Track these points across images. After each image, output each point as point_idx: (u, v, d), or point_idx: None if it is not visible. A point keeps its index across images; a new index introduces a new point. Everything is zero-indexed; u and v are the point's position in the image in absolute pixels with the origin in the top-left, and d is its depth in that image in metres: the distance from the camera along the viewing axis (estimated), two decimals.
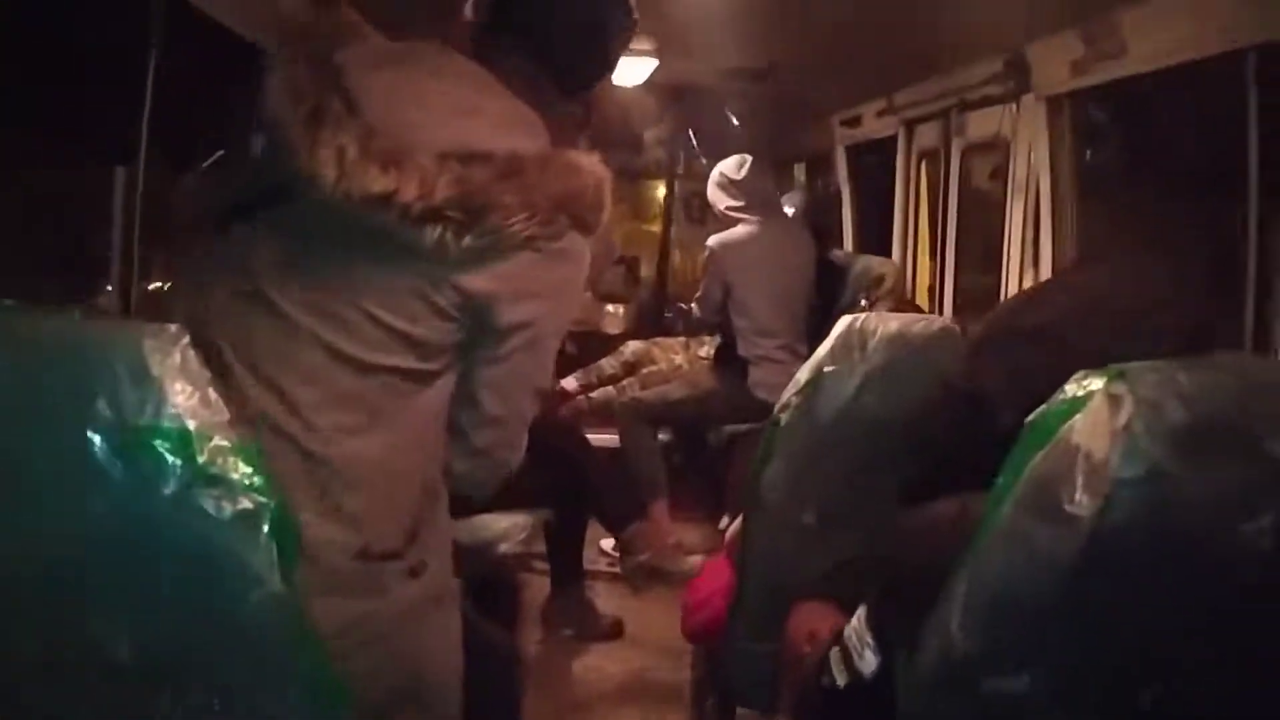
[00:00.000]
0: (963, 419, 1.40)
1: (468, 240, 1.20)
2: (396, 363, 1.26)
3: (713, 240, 4.16)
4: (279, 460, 1.11)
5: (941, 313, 3.63)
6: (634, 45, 3.99)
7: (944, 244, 3.68)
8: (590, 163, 1.31)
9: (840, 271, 4.31)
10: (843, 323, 1.96)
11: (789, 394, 1.98)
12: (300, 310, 1.24)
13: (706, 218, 6.74)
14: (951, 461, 1.44)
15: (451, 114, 1.26)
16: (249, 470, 0.94)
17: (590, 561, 3.70)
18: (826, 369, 1.93)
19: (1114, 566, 1.05)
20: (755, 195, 4.15)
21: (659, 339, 5.12)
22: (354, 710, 1.03)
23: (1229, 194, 2.22)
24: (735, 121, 5.02)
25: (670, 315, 5.59)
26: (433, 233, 1.19)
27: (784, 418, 1.96)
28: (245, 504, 0.92)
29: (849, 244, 5.00)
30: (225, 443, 0.94)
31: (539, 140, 1.30)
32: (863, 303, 3.75)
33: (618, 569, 3.59)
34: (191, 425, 0.91)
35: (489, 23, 1.36)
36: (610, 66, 1.46)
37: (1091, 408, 1.07)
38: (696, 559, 3.48)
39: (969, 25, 3.03)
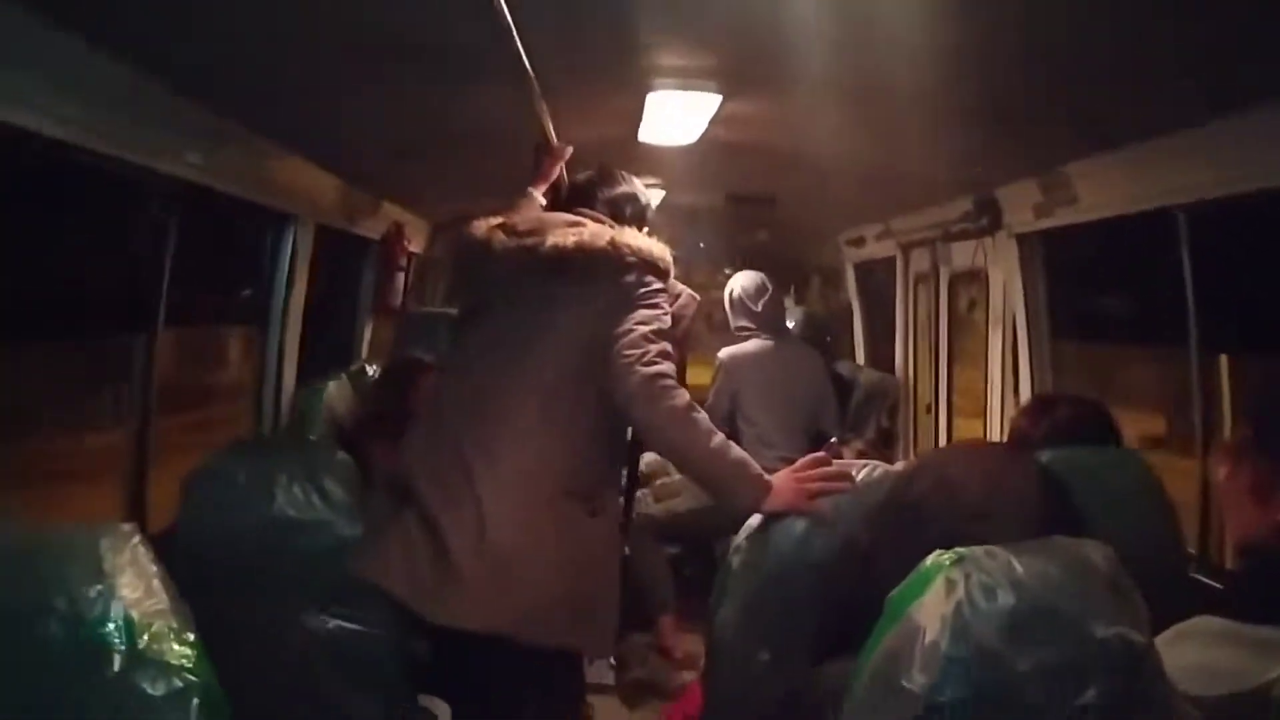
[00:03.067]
0: (858, 578, 1.53)
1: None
2: None
3: (723, 353, 4.31)
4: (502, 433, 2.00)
5: (938, 440, 3.71)
6: (644, 181, 4.30)
7: (938, 365, 3.79)
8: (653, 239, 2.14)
9: (848, 385, 4.43)
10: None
11: (741, 537, 2.10)
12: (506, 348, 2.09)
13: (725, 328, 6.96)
14: (853, 617, 1.56)
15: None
16: (185, 651, 1.11)
17: (597, 675, 3.76)
18: (773, 515, 2.05)
19: None
20: (766, 318, 4.28)
21: None
22: None
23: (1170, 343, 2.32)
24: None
25: None
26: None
27: (735, 560, 2.08)
28: (177, 682, 1.09)
29: (860, 356, 5.12)
30: (165, 628, 1.11)
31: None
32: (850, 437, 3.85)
33: (615, 684, 3.64)
34: (135, 616, 1.08)
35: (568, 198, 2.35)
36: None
37: (933, 589, 1.20)
38: (691, 675, 3.53)
39: (948, 166, 3.21)
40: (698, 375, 6.01)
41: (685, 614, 4.16)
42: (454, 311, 4.61)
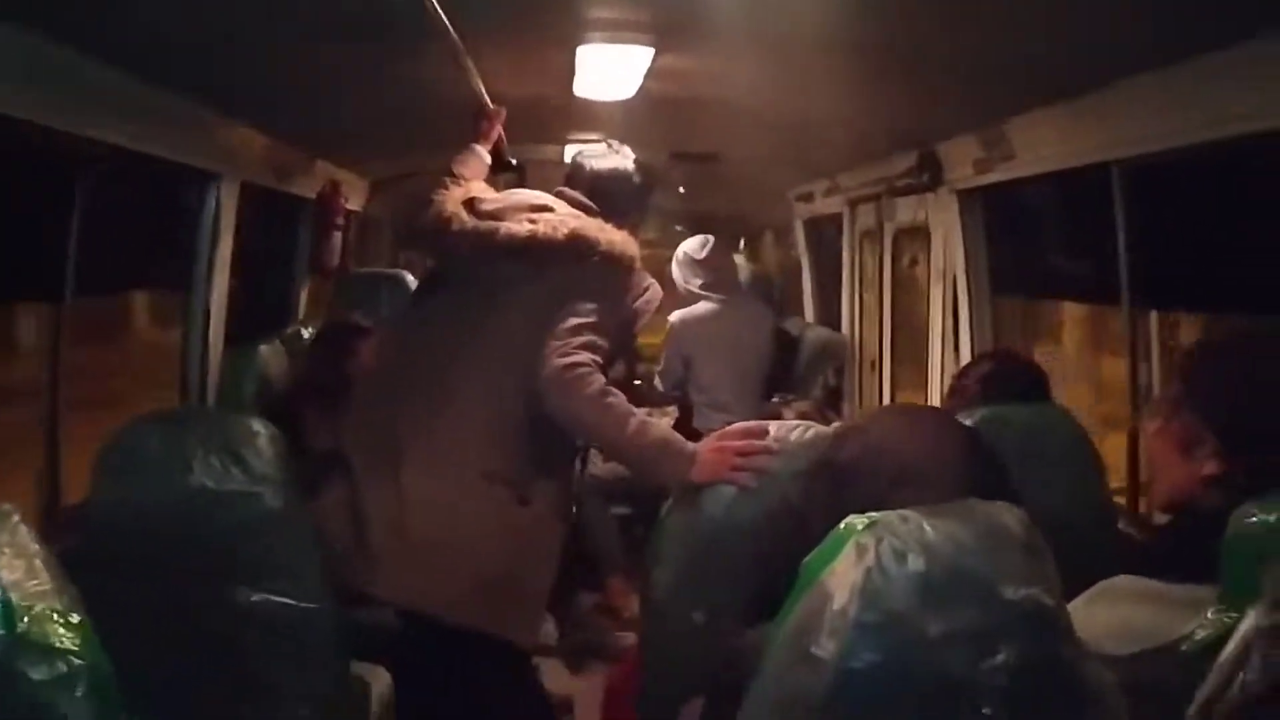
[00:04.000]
0: (788, 539, 1.51)
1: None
2: None
3: (674, 316, 4.28)
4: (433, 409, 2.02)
5: (881, 397, 3.72)
6: (584, 136, 4.22)
7: (881, 326, 3.79)
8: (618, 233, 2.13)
9: (793, 342, 4.42)
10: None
11: (673, 499, 2.09)
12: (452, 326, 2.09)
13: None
14: (777, 581, 1.55)
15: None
16: (70, 634, 1.06)
17: (544, 636, 3.76)
18: None
19: (856, 706, 1.15)
20: (717, 274, 4.25)
21: None
22: None
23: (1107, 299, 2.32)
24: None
25: (639, 385, 5.69)
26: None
27: (668, 522, 2.06)
28: (62, 666, 1.04)
29: (809, 313, 5.11)
30: (47, 610, 1.06)
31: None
32: (774, 400, 3.84)
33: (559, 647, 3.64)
34: (14, 597, 1.03)
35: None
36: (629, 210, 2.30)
37: (845, 555, 1.19)
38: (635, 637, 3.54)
39: (889, 120, 3.17)
40: (649, 335, 6.00)
41: (634, 574, 4.17)
42: (393, 272, 4.57)
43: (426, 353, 2.08)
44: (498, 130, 2.49)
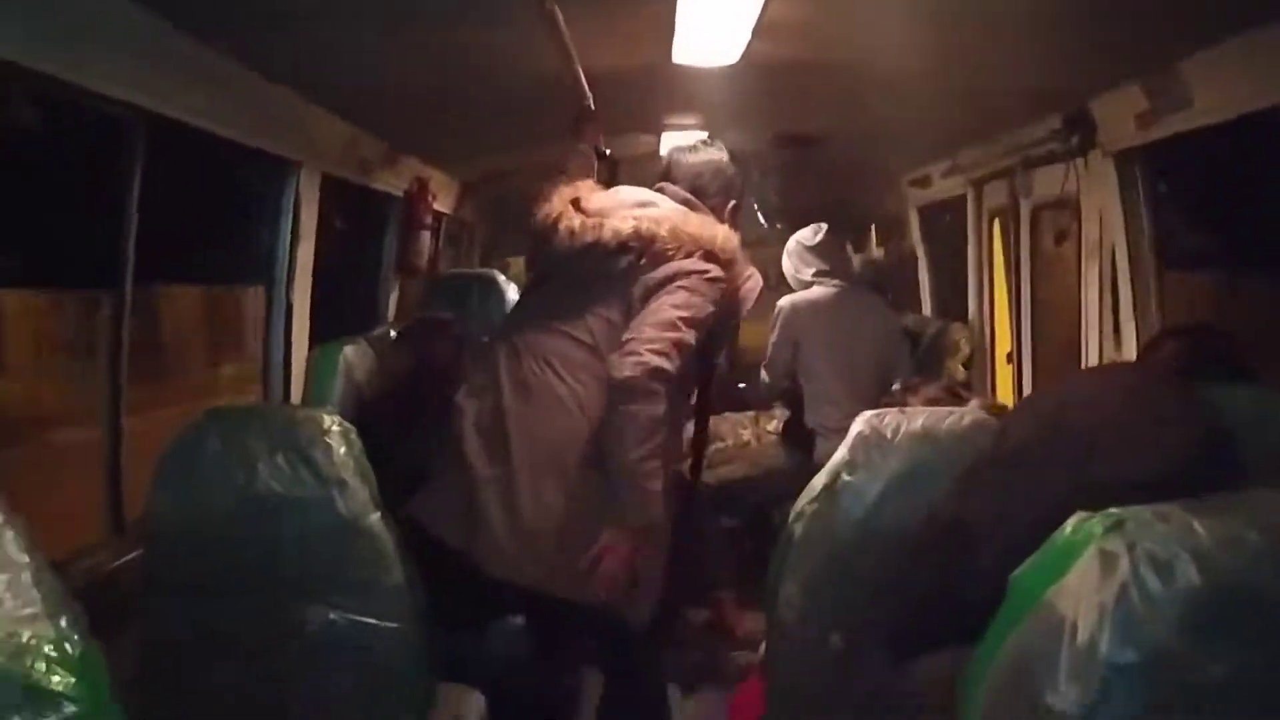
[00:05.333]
0: (946, 555, 1.21)
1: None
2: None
3: (784, 300, 3.96)
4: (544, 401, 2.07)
5: (1020, 391, 3.34)
6: (681, 121, 3.97)
7: (1020, 309, 3.40)
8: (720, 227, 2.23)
9: (913, 338, 4.06)
10: (861, 420, 1.76)
11: (803, 501, 1.79)
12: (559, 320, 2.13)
13: (780, 286, 6.59)
14: (942, 600, 1.25)
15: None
16: (64, 672, 0.83)
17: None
18: (844, 474, 1.73)
19: None
20: (831, 261, 3.94)
21: (727, 414, 4.91)
22: None
23: None
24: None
25: (744, 387, 5.38)
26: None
27: (798, 529, 1.77)
28: (49, 716, 0.80)
29: (927, 308, 4.74)
30: (34, 640, 0.82)
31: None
32: (895, 387, 3.49)
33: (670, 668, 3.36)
34: None
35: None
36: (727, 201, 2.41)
37: (1080, 567, 0.87)
38: (752, 656, 3.24)
39: (1025, 80, 2.81)
40: (746, 334, 5.73)
41: (745, 590, 3.88)
42: (485, 273, 4.40)
43: (534, 347, 2.14)
44: (597, 129, 2.62)
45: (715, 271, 2.13)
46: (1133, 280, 2.67)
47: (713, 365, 2.52)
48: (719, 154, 2.42)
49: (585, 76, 2.54)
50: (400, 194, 3.86)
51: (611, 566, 1.98)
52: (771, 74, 2.97)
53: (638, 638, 2.17)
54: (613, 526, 1.99)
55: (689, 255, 2.11)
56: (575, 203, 2.22)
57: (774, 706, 1.86)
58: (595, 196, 2.26)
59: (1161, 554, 0.85)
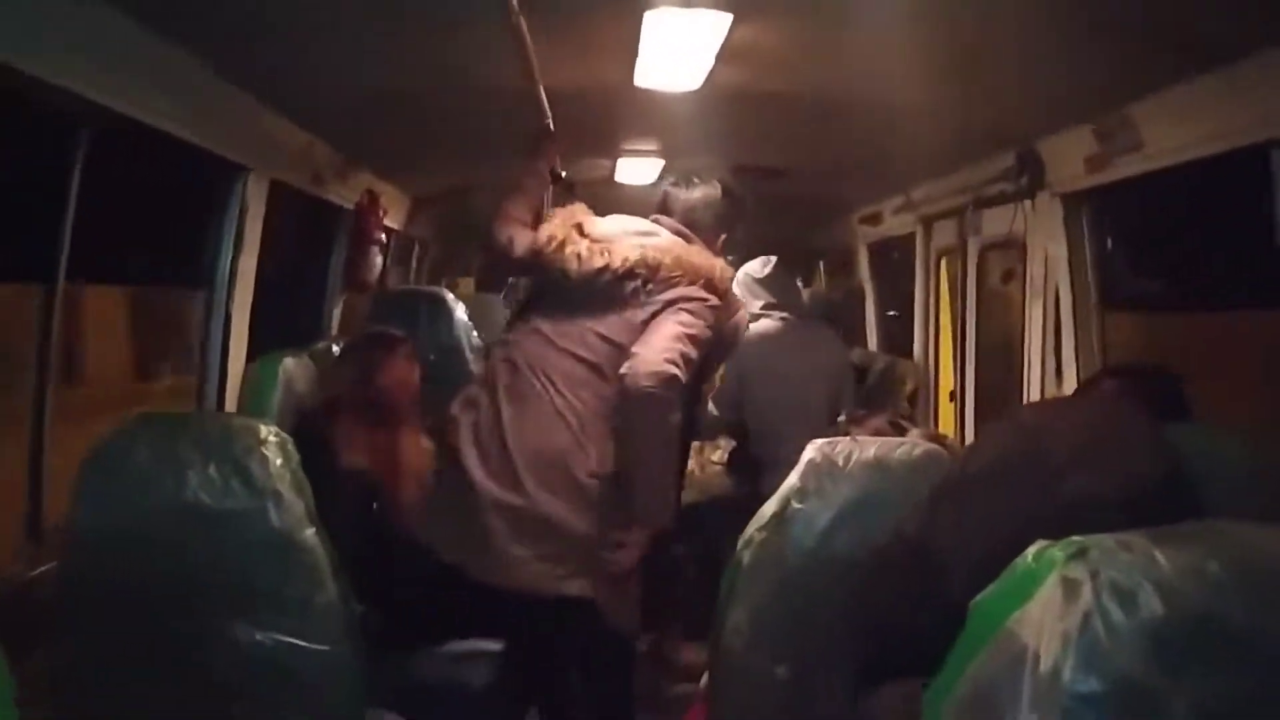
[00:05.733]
0: (913, 578, 1.19)
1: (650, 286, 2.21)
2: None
3: None
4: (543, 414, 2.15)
5: (962, 430, 3.37)
6: (639, 146, 3.97)
7: (964, 347, 3.44)
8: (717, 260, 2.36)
9: (859, 372, 4.07)
10: (812, 448, 1.75)
11: (753, 528, 1.77)
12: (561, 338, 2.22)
13: None
14: (903, 628, 1.23)
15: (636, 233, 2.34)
16: None
17: None
18: (794, 502, 1.71)
19: None
20: (780, 294, 3.93)
21: None
22: None
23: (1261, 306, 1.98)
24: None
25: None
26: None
27: (747, 555, 1.74)
28: None
29: (873, 343, 4.78)
30: None
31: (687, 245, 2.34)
32: (840, 419, 3.50)
33: None
34: None
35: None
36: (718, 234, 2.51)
37: (1043, 595, 0.86)
38: (690, 687, 3.19)
39: (980, 120, 2.86)
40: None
41: (687, 620, 3.84)
42: (433, 290, 4.34)
43: (535, 363, 2.22)
44: (556, 151, 2.64)
45: (714, 300, 2.25)
46: (1075, 320, 2.72)
47: (698, 391, 2.63)
48: (713, 190, 2.51)
49: (545, 95, 2.52)
50: (350, 207, 3.79)
51: (625, 562, 2.15)
52: (732, 102, 2.98)
53: (621, 657, 2.35)
54: (633, 530, 2.14)
55: (691, 283, 2.23)
56: (578, 227, 2.32)
57: None
58: (595, 222, 2.37)
59: (1125, 583, 0.84)
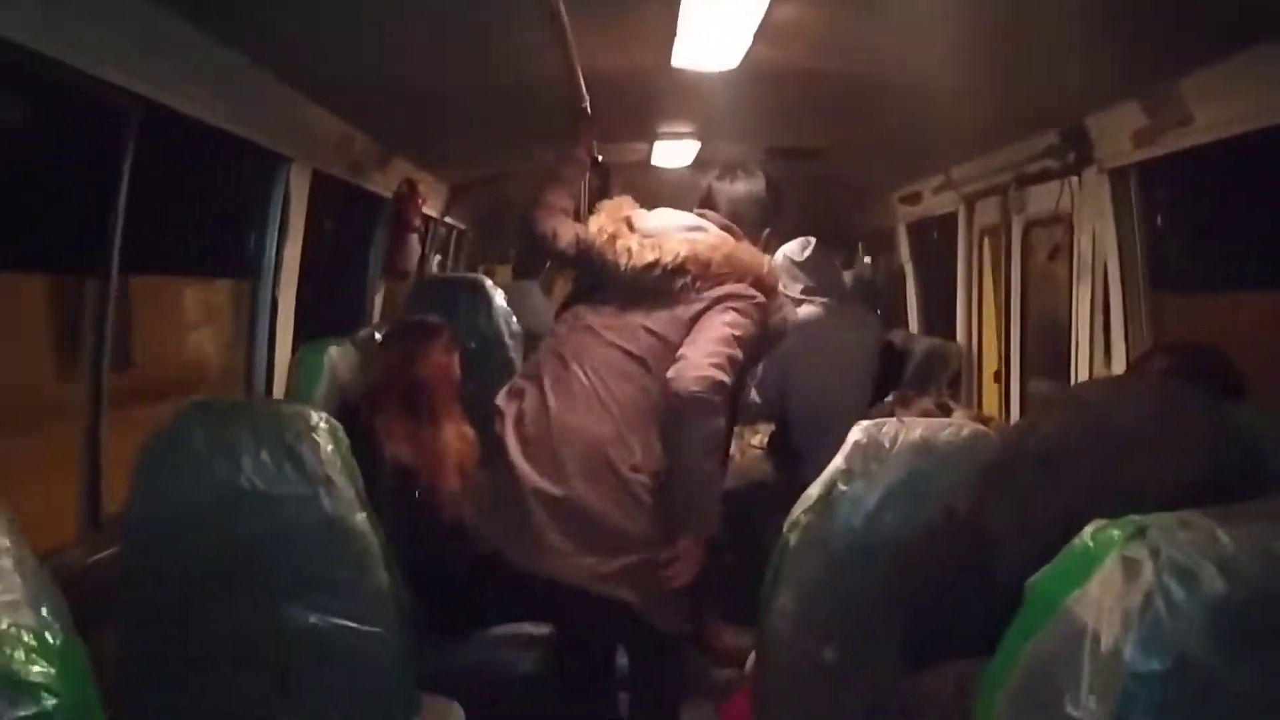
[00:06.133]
0: (965, 557, 1.19)
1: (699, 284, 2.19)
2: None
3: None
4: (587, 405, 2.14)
5: (1007, 411, 3.33)
6: (675, 129, 3.95)
7: (1009, 326, 3.40)
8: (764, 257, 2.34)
9: (901, 355, 4.04)
10: (858, 429, 1.74)
11: (799, 510, 1.76)
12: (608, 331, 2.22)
13: None
14: (954, 608, 1.22)
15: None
16: (43, 663, 0.78)
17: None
18: (840, 484, 1.70)
19: None
20: (820, 277, 3.90)
21: None
22: None
23: None
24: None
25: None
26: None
27: (793, 538, 1.74)
28: (30, 706, 0.76)
29: (914, 324, 4.74)
30: (13, 629, 0.78)
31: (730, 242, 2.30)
32: (887, 399, 3.48)
33: None
34: None
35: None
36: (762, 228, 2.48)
37: (1102, 574, 0.85)
38: (732, 672, 3.20)
39: (1022, 96, 2.81)
40: None
41: (727, 606, 3.84)
42: (472, 277, 4.37)
43: (581, 355, 2.22)
44: (592, 135, 2.62)
45: (761, 298, 2.24)
46: (1124, 298, 2.67)
47: (741, 386, 2.62)
48: (757, 183, 2.48)
49: (583, 78, 2.51)
50: (389, 195, 3.82)
51: (685, 577, 2.16)
52: (769, 82, 2.95)
53: (666, 646, 2.34)
54: (686, 540, 2.14)
55: (739, 280, 2.22)
56: (627, 221, 2.32)
57: (764, 717, 1.83)
58: (644, 216, 2.36)
59: (1185, 561, 0.83)
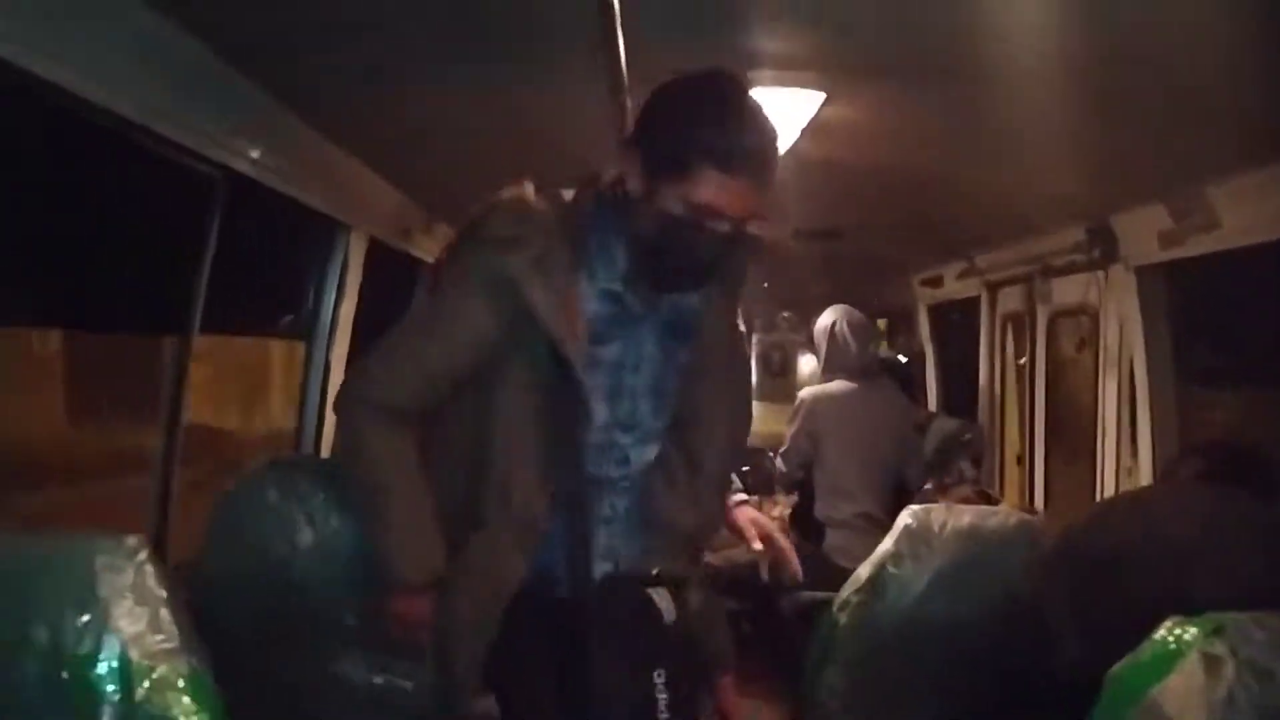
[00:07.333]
0: (1027, 641, 1.25)
1: None
2: None
3: (805, 392, 4.00)
4: None
5: (1031, 494, 3.38)
6: None
7: (1033, 417, 3.47)
8: None
9: (918, 430, 4.10)
10: (908, 514, 1.80)
11: (848, 591, 1.81)
12: None
13: (787, 370, 6.67)
14: (1008, 690, 1.28)
15: None
16: (194, 706, 0.84)
17: None
18: (890, 566, 1.76)
19: None
20: (862, 363, 3.93)
21: None
22: None
23: None
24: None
25: (745, 471, 5.38)
26: None
27: (843, 618, 1.79)
28: None
29: (933, 404, 4.81)
30: (171, 674, 0.84)
31: None
32: (928, 486, 3.52)
33: None
34: (134, 655, 0.82)
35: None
36: None
37: (1185, 669, 0.91)
38: None
39: (1048, 193, 2.93)
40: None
41: (744, 674, 3.82)
42: None
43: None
44: None
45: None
46: (1151, 393, 2.74)
47: None
48: None
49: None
50: (431, 260, 3.92)
51: None
52: (802, 170, 3.07)
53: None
54: None
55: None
56: None
57: None
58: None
59: (1261, 660, 0.89)
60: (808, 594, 3.92)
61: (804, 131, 2.52)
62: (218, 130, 1.96)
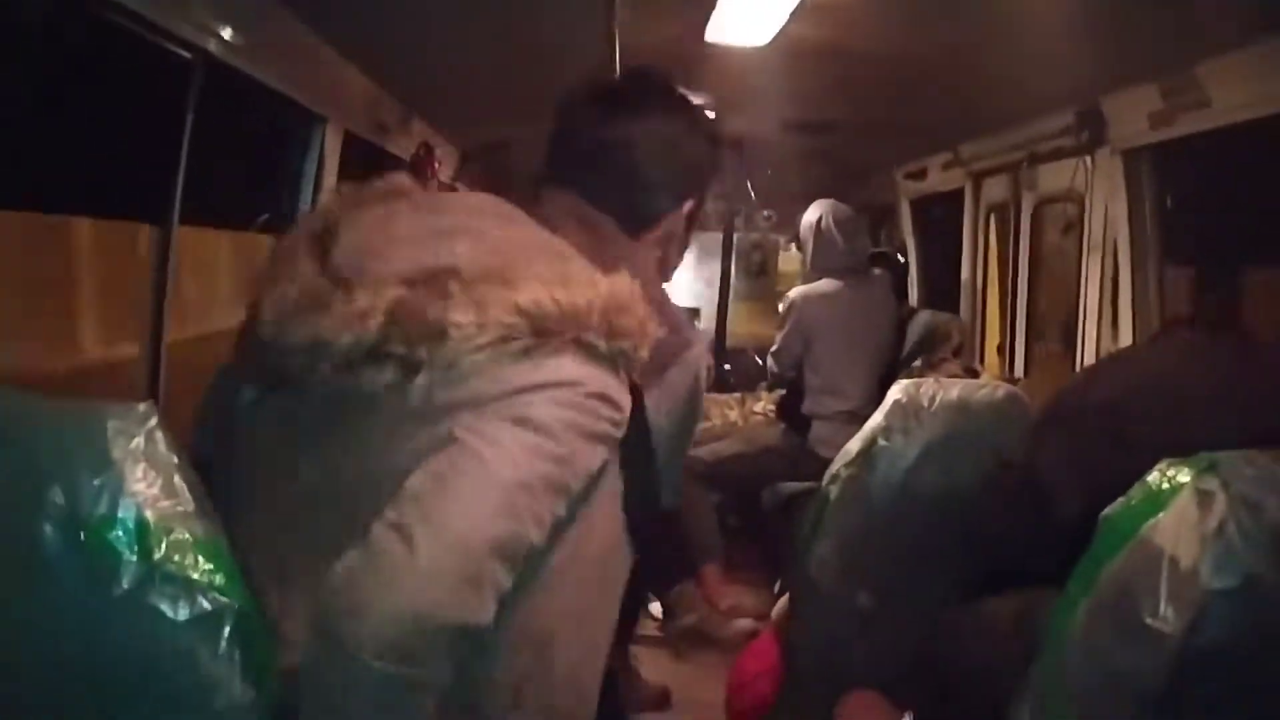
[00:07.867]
0: (1021, 503, 1.28)
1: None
2: None
3: (795, 292, 4.00)
4: None
5: (1011, 377, 3.43)
6: (695, 102, 3.99)
7: (1014, 303, 3.50)
8: (610, 282, 1.05)
9: (901, 326, 4.14)
10: (898, 388, 1.83)
11: (839, 464, 1.85)
12: None
13: (768, 269, 6.65)
14: (1009, 550, 1.32)
15: (427, 236, 1.03)
16: (211, 567, 0.85)
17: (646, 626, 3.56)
18: (881, 439, 1.79)
19: (1206, 693, 0.90)
20: (853, 260, 3.95)
21: (713, 394, 4.97)
22: None
23: None
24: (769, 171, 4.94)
25: (728, 369, 5.44)
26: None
27: (834, 490, 1.83)
28: (204, 605, 0.83)
29: (914, 299, 4.83)
30: (187, 536, 0.85)
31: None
32: (916, 363, 3.57)
33: (663, 633, 3.43)
34: (150, 516, 0.83)
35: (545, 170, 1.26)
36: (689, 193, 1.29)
37: (1177, 505, 0.94)
38: (747, 623, 3.31)
39: (1038, 77, 2.89)
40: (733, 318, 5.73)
41: (729, 564, 3.94)
42: None
43: None
44: None
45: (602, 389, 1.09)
46: (1134, 275, 2.77)
47: None
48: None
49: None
50: (406, 158, 3.85)
51: None
52: (792, 59, 3.01)
53: None
54: None
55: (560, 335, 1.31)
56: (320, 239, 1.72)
57: (797, 657, 1.93)
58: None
59: (1251, 493, 0.92)
60: (791, 484, 4.02)
61: (792, 14, 2.47)
62: (197, 7, 1.89)
